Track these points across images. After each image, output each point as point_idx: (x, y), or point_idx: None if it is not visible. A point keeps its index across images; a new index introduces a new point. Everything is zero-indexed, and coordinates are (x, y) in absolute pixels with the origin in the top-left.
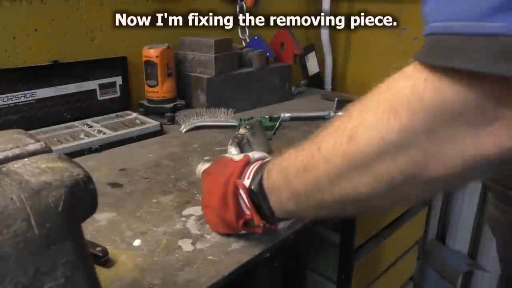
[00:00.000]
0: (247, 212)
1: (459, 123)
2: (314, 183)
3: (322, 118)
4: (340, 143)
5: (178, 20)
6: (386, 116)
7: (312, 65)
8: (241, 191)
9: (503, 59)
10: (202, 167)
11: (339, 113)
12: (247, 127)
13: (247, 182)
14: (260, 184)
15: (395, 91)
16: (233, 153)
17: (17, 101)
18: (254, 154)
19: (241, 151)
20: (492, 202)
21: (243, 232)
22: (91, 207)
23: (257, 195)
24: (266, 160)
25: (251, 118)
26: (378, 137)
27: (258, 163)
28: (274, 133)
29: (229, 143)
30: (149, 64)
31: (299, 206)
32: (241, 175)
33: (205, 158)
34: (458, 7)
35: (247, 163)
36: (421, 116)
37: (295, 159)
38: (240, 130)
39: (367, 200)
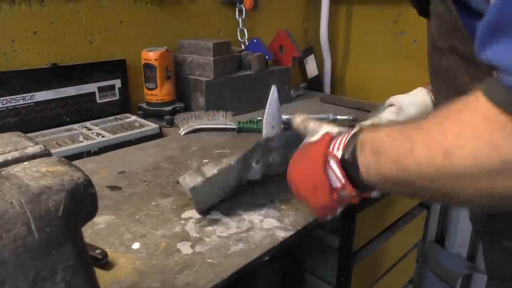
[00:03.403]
0: (337, 184)
1: None
2: (405, 179)
3: None
4: (434, 157)
5: (177, 22)
6: (486, 149)
7: (311, 68)
8: (332, 162)
9: None
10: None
11: (339, 117)
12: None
13: (338, 154)
14: (354, 155)
15: (495, 127)
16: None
17: (16, 104)
18: (333, 129)
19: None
20: None
21: (339, 211)
22: (91, 211)
23: (350, 165)
24: (354, 132)
25: (250, 121)
26: (479, 166)
27: (347, 135)
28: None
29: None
30: (148, 67)
31: (385, 188)
32: (329, 146)
33: (204, 161)
34: None
35: (331, 139)
36: None
37: (389, 147)
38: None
39: (460, 198)
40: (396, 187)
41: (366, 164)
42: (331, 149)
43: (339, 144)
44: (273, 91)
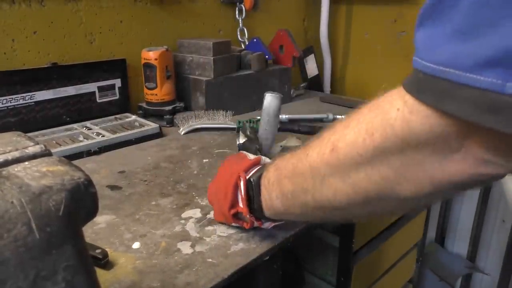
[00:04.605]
0: (240, 204)
1: (426, 150)
2: (300, 186)
3: (321, 121)
4: (323, 153)
5: (177, 22)
6: (362, 136)
7: (311, 67)
8: (241, 182)
9: (490, 112)
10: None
11: (338, 117)
12: (248, 133)
13: (249, 176)
14: (259, 179)
15: (374, 115)
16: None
17: (16, 103)
18: (266, 159)
19: None
20: None
21: (233, 224)
22: (92, 211)
23: (253, 188)
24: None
25: (250, 120)
26: (355, 152)
27: (264, 164)
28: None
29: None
30: (148, 66)
31: (286, 206)
32: (248, 170)
33: (204, 160)
34: (450, 54)
35: (257, 163)
36: (392, 140)
37: (287, 162)
38: (240, 140)
39: (346, 208)
40: (293, 202)
41: (269, 184)
42: (246, 173)
43: (255, 170)
44: (271, 101)
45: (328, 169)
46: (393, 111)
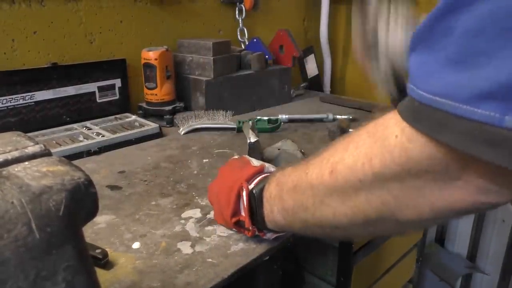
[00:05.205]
0: (243, 213)
1: (426, 178)
2: (300, 203)
3: (321, 121)
4: (322, 174)
5: (177, 22)
6: (361, 161)
7: (311, 67)
8: (244, 193)
9: (488, 145)
10: None
11: (338, 117)
12: (255, 132)
13: (250, 187)
14: (261, 192)
15: (373, 141)
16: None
17: (16, 103)
18: (270, 167)
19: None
20: None
21: (234, 230)
22: (92, 211)
23: (255, 200)
24: (272, 171)
25: (250, 120)
26: (354, 177)
27: (267, 174)
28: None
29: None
30: (148, 66)
31: (287, 220)
32: (251, 179)
33: (204, 160)
34: (445, 84)
35: (260, 171)
36: (391, 167)
37: (288, 178)
38: (251, 139)
39: (345, 228)
40: (294, 217)
41: (271, 198)
42: (249, 182)
43: (257, 180)
44: None
45: (328, 191)
46: (392, 138)
